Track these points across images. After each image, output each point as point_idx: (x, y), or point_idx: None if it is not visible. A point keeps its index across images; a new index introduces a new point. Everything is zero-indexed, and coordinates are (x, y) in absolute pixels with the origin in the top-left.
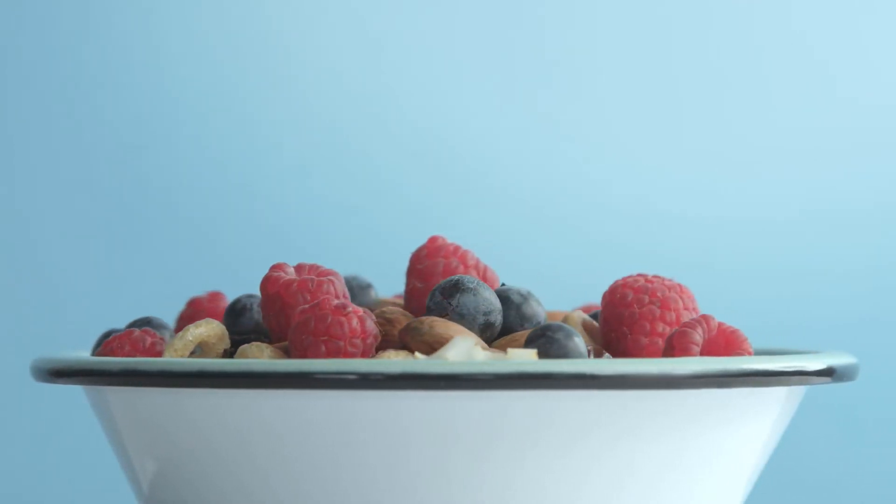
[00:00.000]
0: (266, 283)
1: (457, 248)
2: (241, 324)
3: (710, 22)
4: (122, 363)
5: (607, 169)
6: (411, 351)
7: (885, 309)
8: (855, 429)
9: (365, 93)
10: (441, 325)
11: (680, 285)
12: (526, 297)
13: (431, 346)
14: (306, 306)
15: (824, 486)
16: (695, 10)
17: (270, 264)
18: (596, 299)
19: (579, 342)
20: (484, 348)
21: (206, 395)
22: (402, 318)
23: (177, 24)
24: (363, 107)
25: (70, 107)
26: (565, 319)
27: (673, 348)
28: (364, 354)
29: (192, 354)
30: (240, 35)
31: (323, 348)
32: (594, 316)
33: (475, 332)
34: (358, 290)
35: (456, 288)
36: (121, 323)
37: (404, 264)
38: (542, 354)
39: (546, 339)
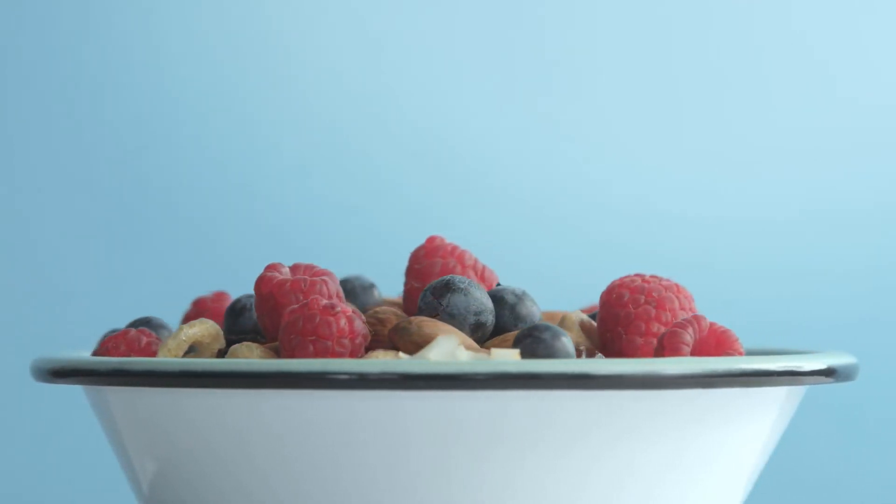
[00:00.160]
0: (259, 283)
1: (454, 248)
2: (240, 324)
3: (710, 22)
4: (111, 363)
5: (607, 169)
6: (401, 351)
7: (885, 309)
8: (855, 429)
9: (365, 93)
10: (430, 325)
11: (677, 285)
12: (520, 297)
13: (419, 346)
14: (295, 306)
15: (824, 486)
16: (695, 11)
17: (270, 264)
18: (597, 299)
19: (567, 342)
20: (469, 348)
21: (205, 396)
22: (394, 319)
23: (177, 24)
24: (363, 107)
25: (70, 107)
26: (563, 319)
27: (663, 348)
28: (353, 354)
29: (188, 354)
30: (240, 35)
31: (311, 348)
32: (594, 316)
33: (466, 333)
34: (361, 290)
35: (447, 288)
36: (121, 323)
37: (404, 264)
38: (529, 354)
39: (533, 339)
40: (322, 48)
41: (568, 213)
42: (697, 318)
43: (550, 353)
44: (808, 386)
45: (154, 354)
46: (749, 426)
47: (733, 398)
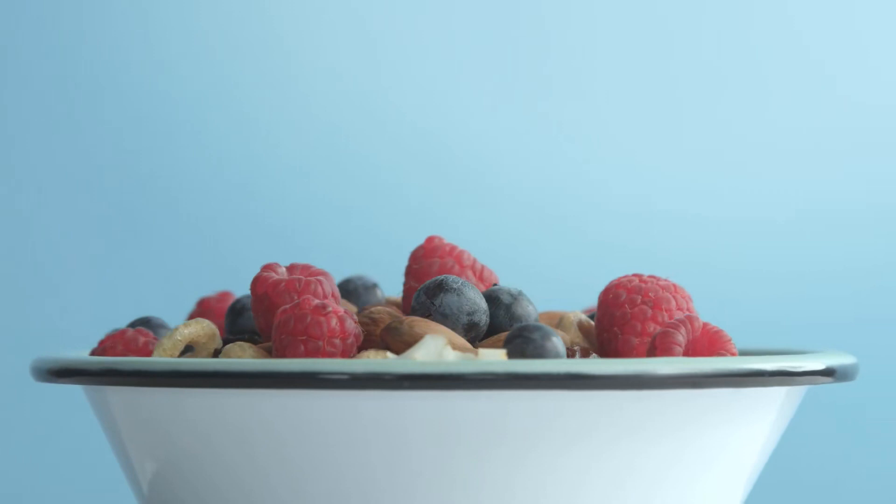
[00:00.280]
0: (255, 283)
1: (453, 248)
2: (240, 323)
3: (709, 23)
4: (101, 362)
5: (607, 169)
6: (393, 351)
7: (884, 309)
8: (855, 429)
9: (364, 93)
10: (421, 325)
11: (675, 285)
12: (516, 297)
13: (410, 346)
14: (287, 306)
15: (824, 486)
16: (694, 11)
17: (266, 264)
18: (596, 299)
19: (557, 342)
20: (459, 347)
21: (205, 395)
22: (388, 319)
23: (176, 25)
24: (363, 107)
25: (70, 107)
26: (561, 319)
27: (655, 349)
28: (344, 354)
29: (186, 354)
30: (239, 35)
31: (301, 348)
32: (593, 317)
33: (459, 332)
34: (363, 290)
35: (440, 288)
36: (121, 323)
37: (404, 264)
38: (518, 354)
39: (522, 339)
40: (321, 48)
41: (568, 213)
42: (690, 319)
43: (540, 354)
44: (807, 386)
45: (151, 354)
46: (749, 426)
47: (733, 398)
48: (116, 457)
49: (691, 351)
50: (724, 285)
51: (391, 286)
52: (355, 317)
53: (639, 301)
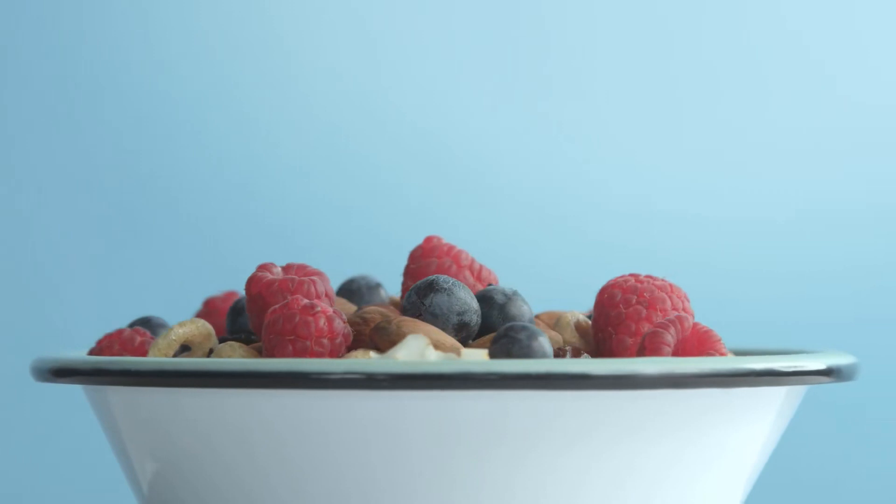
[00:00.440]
0: (249, 283)
1: (450, 248)
2: (240, 323)
3: (709, 23)
4: (95, 362)
5: (607, 169)
6: (381, 351)
7: (884, 309)
8: (855, 429)
9: (364, 93)
10: (409, 324)
11: (671, 285)
12: (510, 296)
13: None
14: (276, 306)
15: (824, 486)
16: (693, 11)
17: (262, 264)
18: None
19: (544, 342)
20: (440, 347)
21: (205, 395)
22: (379, 319)
23: (176, 25)
24: (363, 107)
25: (70, 107)
26: (559, 319)
27: (644, 349)
28: (332, 354)
29: (183, 354)
30: (239, 35)
31: (290, 348)
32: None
33: (449, 332)
34: (367, 289)
35: (430, 288)
36: (122, 322)
37: (404, 264)
38: (504, 354)
39: (508, 339)
40: (321, 48)
41: (568, 213)
42: (680, 319)
43: (526, 354)
44: (808, 386)
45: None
46: (749, 426)
47: (734, 398)
48: (116, 457)
49: (681, 351)
50: (724, 285)
51: (391, 286)
52: (345, 317)
53: (634, 301)
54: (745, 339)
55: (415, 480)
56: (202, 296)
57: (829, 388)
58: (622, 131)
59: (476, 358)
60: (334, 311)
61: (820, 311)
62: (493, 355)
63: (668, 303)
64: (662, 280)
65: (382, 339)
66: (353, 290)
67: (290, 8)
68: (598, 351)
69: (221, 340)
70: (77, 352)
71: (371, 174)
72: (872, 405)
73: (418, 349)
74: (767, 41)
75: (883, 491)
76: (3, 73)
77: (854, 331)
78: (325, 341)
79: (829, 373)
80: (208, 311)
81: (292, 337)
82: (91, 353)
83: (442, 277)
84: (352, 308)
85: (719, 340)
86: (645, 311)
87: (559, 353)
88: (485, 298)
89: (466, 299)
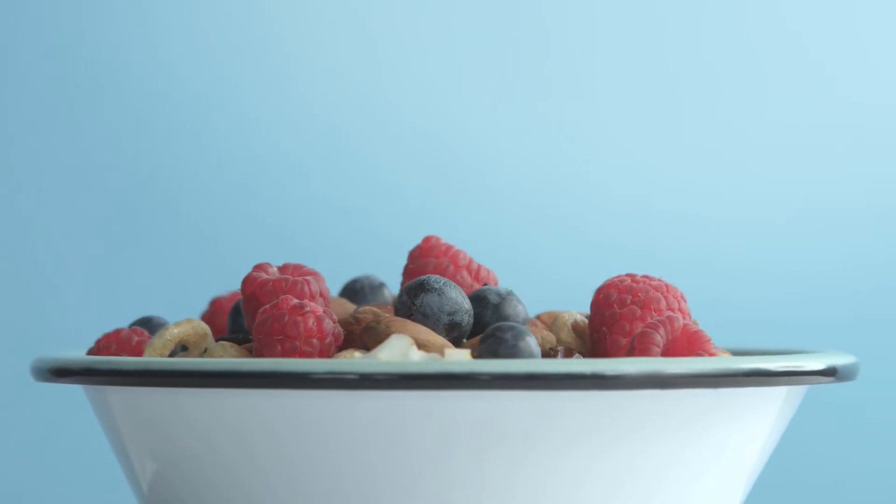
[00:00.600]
0: (244, 282)
1: (449, 248)
2: (240, 323)
3: (708, 22)
4: (86, 362)
5: (607, 169)
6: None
7: (884, 309)
8: (855, 429)
9: (364, 93)
10: (398, 324)
11: (667, 285)
12: (504, 297)
13: None
14: (267, 306)
15: (824, 486)
16: (693, 11)
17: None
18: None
19: (531, 342)
20: (423, 346)
21: (204, 395)
22: (371, 319)
23: (176, 24)
24: (363, 107)
25: (70, 107)
26: (555, 319)
27: (634, 349)
28: (321, 354)
29: (181, 354)
30: (239, 35)
31: (278, 348)
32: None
33: (440, 332)
34: (370, 289)
35: (421, 288)
36: (122, 322)
37: (403, 264)
38: (491, 354)
39: (495, 339)
40: (321, 48)
41: (568, 213)
42: (671, 319)
43: (512, 353)
44: (808, 386)
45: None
46: (749, 426)
47: (733, 398)
48: (116, 457)
49: (670, 351)
50: (724, 285)
51: (392, 286)
52: (335, 317)
53: (628, 301)
54: (746, 339)
55: (415, 480)
56: (202, 296)
57: (829, 388)
58: (622, 131)
59: (458, 358)
60: (324, 311)
61: (820, 311)
62: (479, 355)
63: (664, 303)
64: (658, 280)
65: (371, 339)
66: (356, 290)
67: (290, 8)
68: (593, 351)
69: (221, 340)
70: (77, 352)
71: (371, 174)
72: (872, 405)
73: (401, 349)
74: (767, 41)
75: (883, 491)
76: (3, 73)
77: (854, 331)
78: (315, 341)
79: (829, 373)
80: (214, 310)
81: (281, 337)
82: (90, 352)
83: (433, 277)
84: (351, 308)
85: (709, 341)
86: (640, 311)
87: (550, 354)
88: (479, 298)
89: (457, 299)
